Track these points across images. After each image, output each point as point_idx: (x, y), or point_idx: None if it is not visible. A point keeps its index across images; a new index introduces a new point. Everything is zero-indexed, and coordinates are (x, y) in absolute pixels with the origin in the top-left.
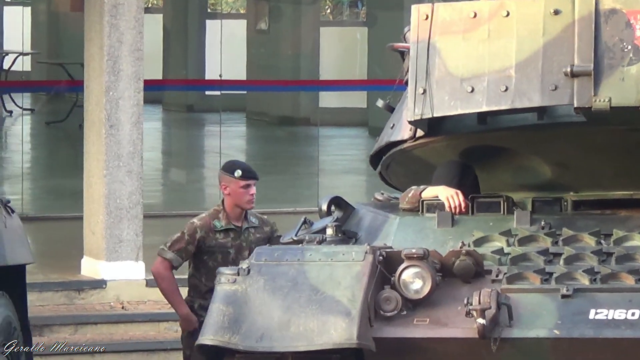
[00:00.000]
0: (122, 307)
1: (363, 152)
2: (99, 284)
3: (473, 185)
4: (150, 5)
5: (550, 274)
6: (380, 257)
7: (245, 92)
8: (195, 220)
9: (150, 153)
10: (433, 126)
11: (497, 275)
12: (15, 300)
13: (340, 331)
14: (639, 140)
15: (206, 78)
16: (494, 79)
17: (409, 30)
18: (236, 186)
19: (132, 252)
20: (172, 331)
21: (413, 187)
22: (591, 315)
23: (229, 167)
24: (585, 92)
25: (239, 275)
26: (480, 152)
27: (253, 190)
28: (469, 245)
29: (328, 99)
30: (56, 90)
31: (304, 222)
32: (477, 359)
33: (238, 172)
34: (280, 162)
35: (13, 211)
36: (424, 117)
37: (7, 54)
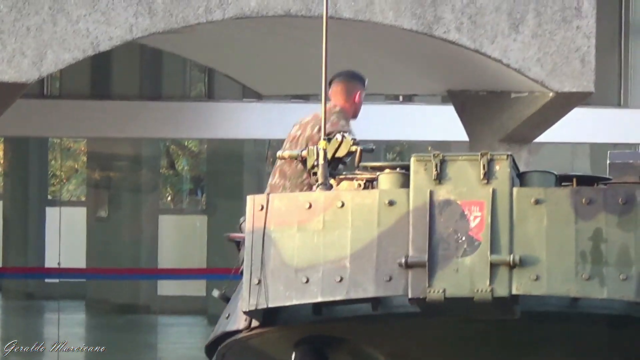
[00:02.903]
0: None
1: (202, 340)
2: None
3: None
4: None
5: None
6: None
7: (84, 280)
8: None
9: None
10: (268, 316)
11: None
12: None
13: None
14: (474, 331)
15: (46, 266)
16: (328, 270)
17: (245, 220)
18: (362, 96)
19: None
20: None
21: None
22: None
23: (360, 77)
24: (419, 283)
25: None
26: (316, 341)
27: None
28: None
29: (167, 287)
30: None
31: None
32: None
33: (367, 83)
34: (120, 350)
35: None
36: (259, 307)
37: None
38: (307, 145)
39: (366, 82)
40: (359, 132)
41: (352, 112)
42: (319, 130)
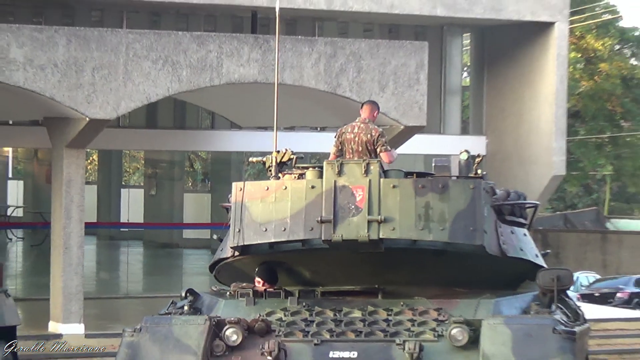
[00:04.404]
0: (72, 349)
1: (207, 263)
2: (58, 336)
3: (274, 279)
4: (90, 180)
5: (308, 332)
6: (214, 322)
7: (142, 229)
8: None
9: (89, 262)
10: (244, 250)
11: (279, 333)
12: (11, 346)
13: None
14: (358, 258)
15: (121, 221)
16: (278, 224)
17: (230, 196)
18: (377, 114)
19: (77, 318)
20: None
21: (243, 283)
22: (331, 355)
23: (377, 104)
24: (328, 232)
25: (135, 331)
26: (272, 264)
27: None
28: (263, 316)
29: (189, 233)
30: (36, 228)
31: (172, 302)
32: None
33: (380, 108)
34: (162, 268)
35: (9, 295)
36: (239, 244)
37: (9, 206)
38: (365, 146)
39: (380, 108)
40: (302, 150)
41: (374, 119)
42: (369, 136)
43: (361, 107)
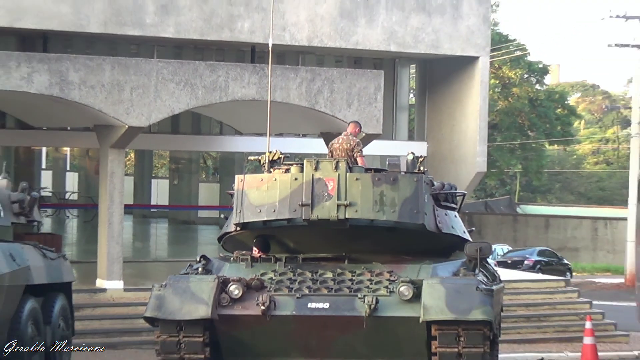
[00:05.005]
0: (113, 300)
1: (216, 235)
2: (103, 290)
3: (267, 248)
4: (128, 172)
5: (292, 288)
6: (221, 280)
7: (167, 209)
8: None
9: (127, 234)
10: (244, 226)
11: (270, 288)
12: (68, 298)
13: (204, 310)
14: (330, 233)
15: (151, 203)
16: (269, 206)
17: (234, 185)
18: (359, 130)
19: (118, 276)
20: (137, 311)
21: (243, 251)
22: (309, 306)
23: (360, 123)
24: (307, 213)
25: (161, 287)
26: (265, 236)
27: None
28: (258, 276)
29: (203, 213)
30: (87, 208)
31: (189, 265)
32: (262, 325)
33: (362, 126)
34: (183, 239)
35: (67, 259)
36: (240, 222)
37: (67, 192)
38: (346, 152)
39: (362, 126)
40: (288, 151)
41: (356, 134)
42: (349, 145)
43: (348, 125)
